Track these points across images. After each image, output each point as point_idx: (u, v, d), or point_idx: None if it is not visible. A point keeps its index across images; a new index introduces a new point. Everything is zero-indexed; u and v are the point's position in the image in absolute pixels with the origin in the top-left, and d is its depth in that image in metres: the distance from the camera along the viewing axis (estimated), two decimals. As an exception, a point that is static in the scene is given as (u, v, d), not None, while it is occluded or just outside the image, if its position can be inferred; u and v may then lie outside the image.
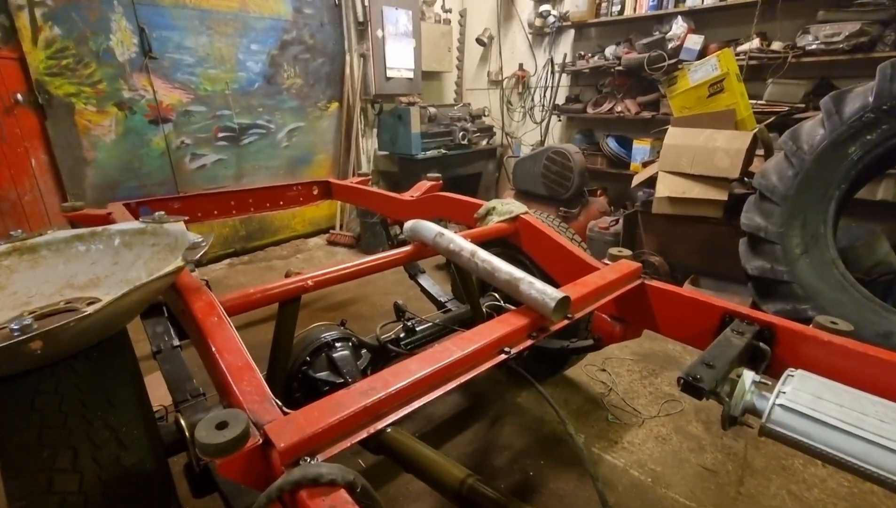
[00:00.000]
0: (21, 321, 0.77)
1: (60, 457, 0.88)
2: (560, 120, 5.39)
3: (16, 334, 0.75)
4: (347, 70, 5.06)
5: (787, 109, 3.39)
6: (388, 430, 1.32)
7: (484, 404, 2.28)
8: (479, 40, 5.71)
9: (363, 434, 0.81)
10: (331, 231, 5.20)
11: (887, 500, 1.67)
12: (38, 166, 3.44)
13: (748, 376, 1.05)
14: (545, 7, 5.02)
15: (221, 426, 0.74)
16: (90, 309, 0.82)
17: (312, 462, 0.72)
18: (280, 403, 0.87)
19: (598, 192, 4.63)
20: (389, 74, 5.14)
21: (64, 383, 0.92)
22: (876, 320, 2.10)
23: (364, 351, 1.69)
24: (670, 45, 3.93)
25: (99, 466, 0.91)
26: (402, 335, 1.84)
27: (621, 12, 4.43)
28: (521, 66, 5.52)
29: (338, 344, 1.61)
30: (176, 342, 1.58)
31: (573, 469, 1.83)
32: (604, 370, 2.52)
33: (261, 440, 0.75)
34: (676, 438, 2.01)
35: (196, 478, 1.20)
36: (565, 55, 5.06)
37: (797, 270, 2.34)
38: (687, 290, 1.43)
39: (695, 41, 3.81)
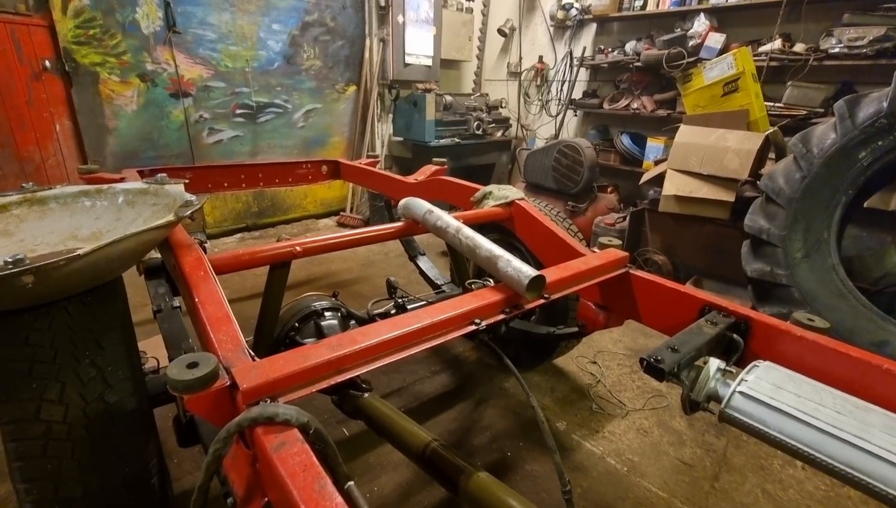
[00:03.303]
0: (15, 256, 0.83)
1: (49, 389, 0.95)
2: (576, 115, 5.35)
3: (9, 267, 0.81)
4: (367, 54, 5.10)
5: (805, 112, 3.32)
6: (366, 395, 1.38)
7: (471, 385, 2.32)
8: (500, 31, 5.69)
9: (324, 384, 0.86)
10: (341, 213, 5.27)
11: (863, 505, 1.67)
12: (62, 132, 3.56)
13: (714, 363, 1.07)
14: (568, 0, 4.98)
15: (192, 365, 0.80)
16: (80, 251, 0.89)
17: (271, 403, 0.77)
18: (252, 352, 0.92)
19: (609, 188, 4.60)
20: (408, 60, 5.16)
21: (57, 322, 0.98)
22: (872, 328, 2.07)
23: (353, 322, 1.74)
24: (691, 43, 3.87)
25: (84, 400, 0.98)
26: (392, 311, 1.89)
27: (644, 7, 4.37)
28: (540, 58, 5.48)
29: (327, 313, 1.67)
30: (176, 303, 1.66)
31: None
32: (594, 363, 2.53)
33: (228, 382, 0.81)
34: (658, 431, 2.03)
35: (182, 428, 1.27)
36: (584, 49, 5.01)
37: (797, 274, 2.32)
38: (669, 281, 1.45)
39: (716, 40, 3.74)
